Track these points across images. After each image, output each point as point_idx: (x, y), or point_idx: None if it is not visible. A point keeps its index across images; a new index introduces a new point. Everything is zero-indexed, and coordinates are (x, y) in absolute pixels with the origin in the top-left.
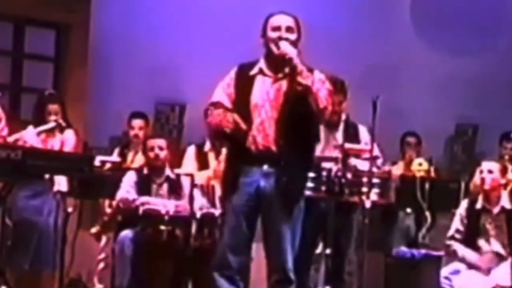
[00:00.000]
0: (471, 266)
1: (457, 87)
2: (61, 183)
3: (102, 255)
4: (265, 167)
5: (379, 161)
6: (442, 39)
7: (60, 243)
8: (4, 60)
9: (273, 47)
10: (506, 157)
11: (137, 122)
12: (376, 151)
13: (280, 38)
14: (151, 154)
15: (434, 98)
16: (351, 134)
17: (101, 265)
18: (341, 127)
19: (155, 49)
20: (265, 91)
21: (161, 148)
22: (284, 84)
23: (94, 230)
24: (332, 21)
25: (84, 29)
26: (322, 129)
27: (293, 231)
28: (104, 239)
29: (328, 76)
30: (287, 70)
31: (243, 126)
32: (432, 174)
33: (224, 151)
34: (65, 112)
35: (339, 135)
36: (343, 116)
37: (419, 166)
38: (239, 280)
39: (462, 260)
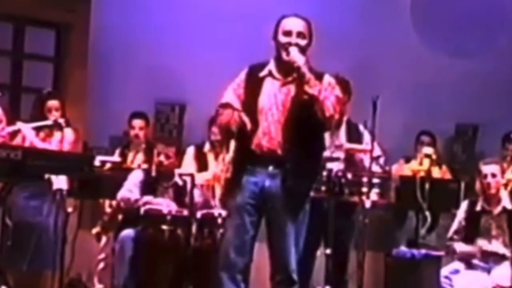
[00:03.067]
0: (470, 264)
1: (457, 87)
2: (61, 181)
3: (102, 255)
4: (271, 168)
5: (382, 160)
6: (442, 39)
7: (60, 243)
8: (4, 60)
9: (283, 52)
10: (508, 158)
11: (138, 122)
12: (378, 151)
13: (290, 44)
14: (156, 159)
15: (434, 98)
16: (354, 135)
17: (101, 265)
18: (344, 127)
19: (155, 49)
20: (273, 94)
21: (167, 157)
22: (292, 88)
23: (94, 231)
24: (332, 22)
25: (84, 29)
26: None
27: (297, 233)
28: (104, 239)
29: (333, 75)
30: (295, 75)
31: (248, 125)
32: (444, 170)
33: (223, 152)
34: (65, 110)
35: (342, 135)
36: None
37: (426, 157)
38: (241, 281)
39: (461, 255)
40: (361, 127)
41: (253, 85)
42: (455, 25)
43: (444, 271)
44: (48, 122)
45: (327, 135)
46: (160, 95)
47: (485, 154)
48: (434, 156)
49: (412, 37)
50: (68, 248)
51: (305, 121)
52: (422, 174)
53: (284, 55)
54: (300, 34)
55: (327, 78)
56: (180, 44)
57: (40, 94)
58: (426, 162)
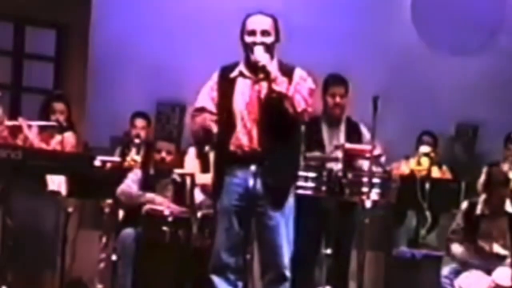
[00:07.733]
0: (464, 264)
1: (457, 87)
2: (60, 184)
3: (103, 255)
4: (253, 167)
5: (383, 159)
6: (443, 39)
7: (60, 243)
8: (4, 60)
9: (249, 52)
10: (510, 158)
11: (140, 122)
12: (379, 149)
13: (255, 44)
14: (157, 156)
15: (434, 98)
16: (354, 135)
17: (102, 265)
18: (343, 127)
19: (155, 49)
20: (246, 94)
21: (169, 152)
22: (264, 85)
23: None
24: (332, 21)
25: (84, 29)
26: (325, 129)
27: (286, 228)
28: (104, 239)
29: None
30: (262, 74)
31: (214, 129)
32: (444, 170)
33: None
34: (70, 113)
35: (341, 135)
36: (344, 116)
37: (424, 156)
38: (236, 280)
39: (453, 258)
40: (361, 127)
41: (226, 86)
42: (455, 25)
43: (444, 271)
44: (51, 123)
45: (326, 134)
46: (160, 96)
47: (486, 154)
48: (432, 154)
49: (412, 36)
50: (69, 248)
51: (278, 118)
52: (422, 173)
53: (250, 55)
54: (264, 33)
55: (298, 72)
56: (181, 45)
57: (48, 96)
58: (425, 161)
